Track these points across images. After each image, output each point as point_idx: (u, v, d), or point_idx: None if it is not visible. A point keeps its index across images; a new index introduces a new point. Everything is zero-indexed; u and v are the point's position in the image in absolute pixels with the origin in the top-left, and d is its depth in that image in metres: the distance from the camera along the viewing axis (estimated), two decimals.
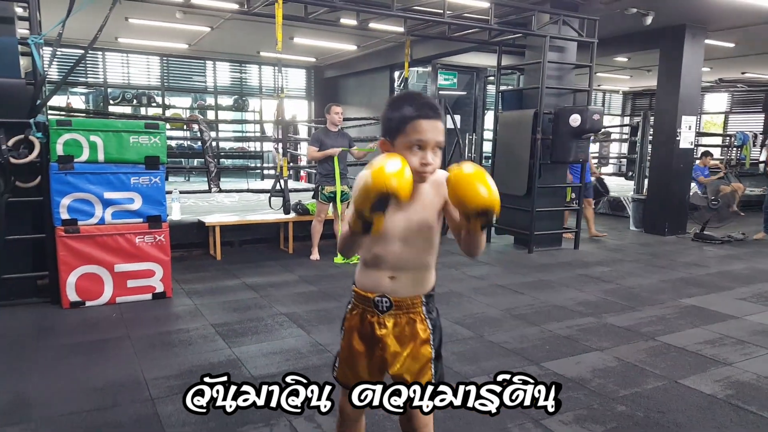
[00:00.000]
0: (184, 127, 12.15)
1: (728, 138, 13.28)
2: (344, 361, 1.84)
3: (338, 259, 6.16)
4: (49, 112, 6.24)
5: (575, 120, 6.55)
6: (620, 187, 11.23)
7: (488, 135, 10.27)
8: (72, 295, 4.33)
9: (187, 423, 2.63)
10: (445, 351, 3.52)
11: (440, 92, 8.45)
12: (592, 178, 8.23)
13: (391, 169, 1.45)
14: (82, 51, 4.58)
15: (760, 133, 14.49)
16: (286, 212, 6.60)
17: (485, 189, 1.47)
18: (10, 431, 2.53)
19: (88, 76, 12.47)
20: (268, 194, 7.04)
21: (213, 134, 8.92)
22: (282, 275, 5.54)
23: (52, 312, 4.26)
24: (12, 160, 4.15)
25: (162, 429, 2.58)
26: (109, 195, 4.38)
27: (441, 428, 2.63)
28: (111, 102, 12.39)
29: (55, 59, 4.48)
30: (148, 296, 4.59)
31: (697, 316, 4.47)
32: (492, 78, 9.27)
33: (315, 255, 6.26)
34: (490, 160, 8.20)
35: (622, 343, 3.83)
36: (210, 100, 13.82)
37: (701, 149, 11.36)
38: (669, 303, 4.82)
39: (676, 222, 8.46)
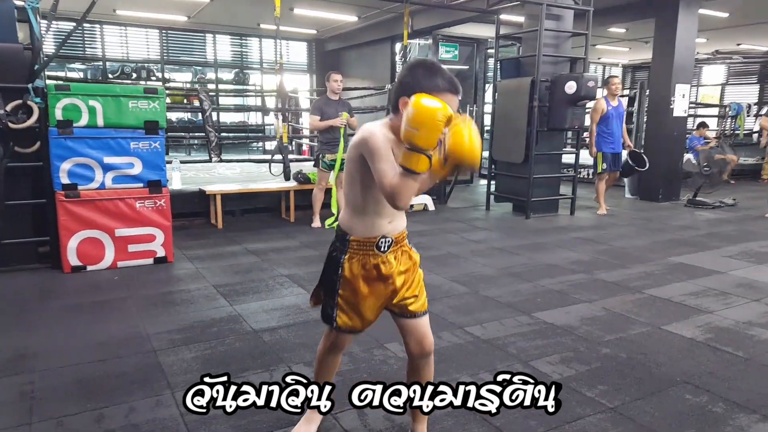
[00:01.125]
0: (185, 101, 12.08)
1: (723, 108, 13.22)
2: (348, 308, 1.91)
3: (331, 221, 6.18)
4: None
5: (571, 87, 6.53)
6: None
7: (489, 109, 10.25)
8: (73, 260, 4.37)
9: (189, 371, 2.69)
10: (441, 305, 3.61)
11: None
12: (624, 151, 7.46)
13: (445, 105, 1.56)
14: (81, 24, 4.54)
15: (755, 104, 14.41)
16: (287, 178, 6.60)
17: (478, 145, 1.60)
18: (13, 381, 2.58)
19: (86, 50, 12.36)
20: (269, 162, 7.03)
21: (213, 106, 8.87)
22: (283, 241, 5.58)
23: (54, 276, 4.30)
24: (11, 125, 4.16)
25: (165, 376, 2.63)
26: (108, 160, 4.39)
27: (438, 369, 2.69)
28: (110, 77, 12.30)
29: (53, 33, 4.45)
30: (150, 261, 4.63)
31: (683, 272, 4.53)
32: (492, 50, 9.22)
33: (316, 223, 6.28)
34: (489, 131, 8.19)
35: (610, 296, 3.89)
36: (210, 75, 13.73)
37: (698, 120, 11.34)
38: (658, 261, 4.87)
39: (670, 189, 8.47)
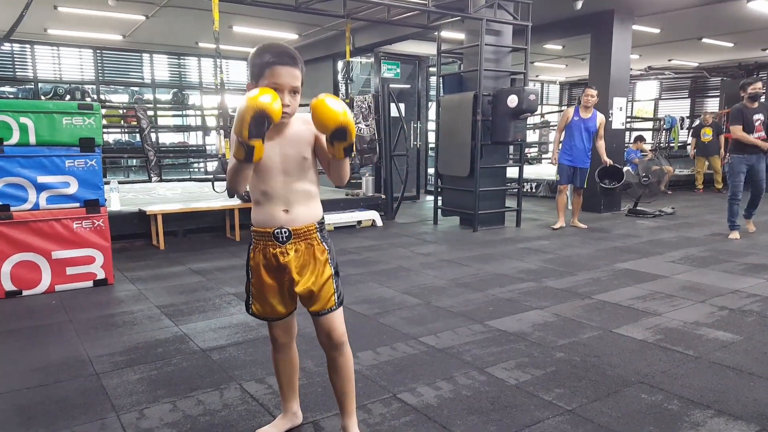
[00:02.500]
0: (122, 121, 11.77)
1: (658, 122, 13.96)
2: (257, 296, 2.03)
3: None
4: None
5: (513, 101, 6.76)
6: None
7: (432, 126, 10.47)
8: (7, 285, 4.17)
9: (134, 392, 2.61)
10: (394, 316, 3.64)
11: (384, 84, 8.56)
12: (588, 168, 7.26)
13: (263, 96, 1.68)
14: (8, 43, 4.41)
15: (687, 117, 15.29)
16: (230, 195, 6.52)
17: (338, 107, 1.75)
18: None
19: (17, 72, 11.91)
20: (212, 180, 6.93)
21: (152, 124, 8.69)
22: (229, 260, 5.49)
23: None
24: None
25: (108, 399, 2.54)
26: (42, 179, 4.24)
27: (389, 380, 2.72)
28: (42, 98, 11.87)
29: None
30: (89, 283, 4.47)
31: (629, 277, 4.73)
32: (434, 68, 9.44)
33: None
34: (434, 148, 8.36)
35: (560, 302, 4.02)
36: (148, 95, 13.45)
37: (635, 134, 11.94)
38: (604, 267, 5.07)
39: (611, 200, 8.85)
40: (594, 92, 7.12)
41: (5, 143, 4.08)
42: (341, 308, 2.03)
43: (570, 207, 7.79)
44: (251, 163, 1.75)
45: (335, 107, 1.74)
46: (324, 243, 1.99)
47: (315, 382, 2.71)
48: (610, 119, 8.67)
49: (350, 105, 7.94)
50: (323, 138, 1.85)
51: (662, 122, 13.61)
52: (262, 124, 1.67)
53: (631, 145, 11.06)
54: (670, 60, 13.95)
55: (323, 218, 2.03)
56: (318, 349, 3.01)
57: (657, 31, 10.28)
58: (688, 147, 14.40)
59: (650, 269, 4.99)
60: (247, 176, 1.84)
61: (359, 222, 7.42)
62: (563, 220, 7.30)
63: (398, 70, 10.55)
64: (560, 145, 7.28)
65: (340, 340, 2.02)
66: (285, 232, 1.91)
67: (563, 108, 18.51)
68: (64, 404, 2.49)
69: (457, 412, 2.41)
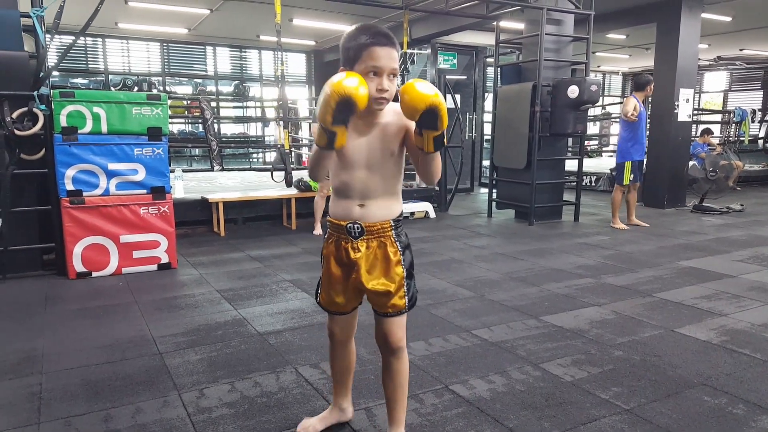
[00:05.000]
0: (186, 112, 12.16)
1: (727, 114, 13.26)
2: (325, 286, 1.97)
3: None
4: None
5: (573, 91, 6.56)
6: None
7: (488, 117, 10.31)
8: (78, 266, 4.39)
9: (195, 372, 2.70)
10: (446, 308, 3.61)
11: (440, 75, 8.48)
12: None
13: (348, 80, 1.59)
14: (82, 37, 4.61)
15: (759, 110, 14.45)
16: (288, 185, 6.63)
17: (428, 89, 1.61)
18: (22, 382, 2.59)
19: (89, 64, 12.48)
20: (270, 169, 7.06)
21: (215, 115, 8.93)
22: (285, 248, 5.59)
23: (59, 282, 4.32)
24: (16, 132, 4.20)
25: (171, 378, 2.63)
26: (113, 166, 4.43)
27: (441, 372, 2.70)
28: (112, 89, 12.40)
29: (56, 47, 4.51)
30: (154, 267, 4.65)
31: (694, 275, 4.52)
32: (491, 59, 9.28)
33: (318, 230, 6.30)
34: (489, 140, 8.23)
35: (620, 300, 3.88)
36: (211, 87, 13.83)
37: (702, 127, 11.37)
38: (667, 265, 4.86)
39: (675, 195, 8.48)
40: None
41: (79, 132, 4.28)
42: (406, 313, 1.93)
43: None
44: (332, 150, 1.67)
45: (426, 89, 1.60)
46: (398, 242, 1.88)
47: (367, 369, 2.72)
48: (676, 111, 8.30)
49: None
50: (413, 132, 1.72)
51: (732, 115, 12.90)
52: (346, 111, 1.58)
53: (697, 139, 10.55)
54: (741, 50, 13.20)
55: (401, 216, 1.92)
56: (371, 337, 3.04)
57: (728, 19, 9.74)
58: (760, 141, 13.64)
59: (716, 268, 4.76)
60: (327, 164, 1.77)
61: (412, 213, 7.40)
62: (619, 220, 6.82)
63: (454, 61, 10.41)
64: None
65: (397, 345, 1.93)
66: (357, 228, 1.83)
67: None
68: (129, 381, 2.60)
69: (510, 407, 2.37)
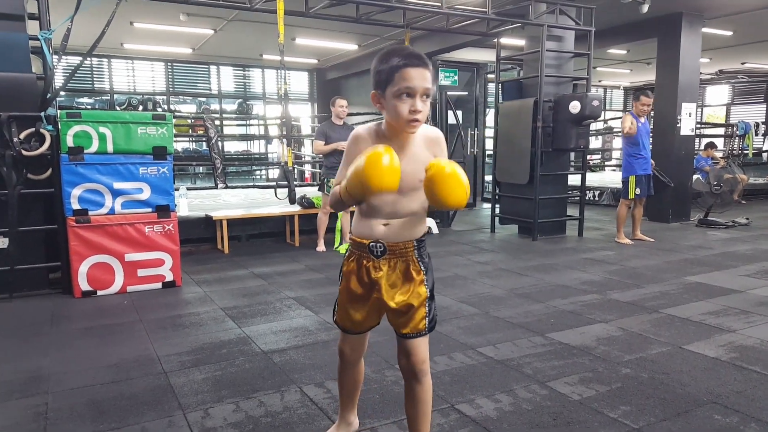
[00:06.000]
0: (190, 130, 12.25)
1: (730, 128, 13.27)
2: (343, 304, 1.96)
3: (341, 248, 6.21)
4: None
5: (575, 107, 6.59)
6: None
7: (489, 133, 10.34)
8: (84, 285, 4.39)
9: (200, 391, 2.69)
10: (451, 325, 3.60)
11: (442, 91, 8.52)
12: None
13: (386, 164, 1.55)
14: (90, 58, 4.68)
15: (763, 123, 14.47)
16: (292, 202, 6.65)
17: (461, 191, 1.60)
18: (28, 402, 2.58)
19: (95, 84, 12.61)
20: (274, 187, 7.09)
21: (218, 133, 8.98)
22: (289, 265, 5.59)
23: (65, 301, 4.33)
24: (24, 152, 4.24)
25: (176, 398, 2.62)
26: (118, 185, 4.45)
27: (446, 390, 2.68)
28: (117, 108, 12.51)
29: (62, 68, 4.57)
30: (158, 285, 4.65)
31: (701, 291, 4.50)
32: (492, 75, 9.30)
33: (321, 247, 6.30)
34: (491, 156, 8.24)
35: (626, 316, 3.86)
36: (215, 106, 13.95)
37: (705, 141, 11.38)
38: (673, 280, 4.84)
39: (680, 209, 8.46)
40: (649, 99, 6.51)
41: (85, 151, 4.32)
42: (428, 336, 1.89)
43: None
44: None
45: (457, 191, 1.60)
46: (420, 262, 1.87)
47: (372, 388, 2.71)
48: (678, 125, 8.31)
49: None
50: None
51: (735, 128, 12.92)
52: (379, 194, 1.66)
53: (701, 153, 10.55)
54: (743, 63, 13.25)
55: (424, 236, 1.91)
56: (375, 355, 3.04)
57: (729, 33, 9.79)
58: (765, 154, 13.62)
59: (723, 283, 4.73)
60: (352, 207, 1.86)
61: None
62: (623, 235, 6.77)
63: (456, 78, 10.46)
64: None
65: (420, 368, 1.88)
66: (380, 247, 1.82)
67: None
68: (134, 400, 2.60)
69: (517, 426, 2.35)
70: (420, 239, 1.88)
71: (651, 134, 6.70)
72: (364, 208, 1.86)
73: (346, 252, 1.96)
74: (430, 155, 1.78)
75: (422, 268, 1.87)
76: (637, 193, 6.56)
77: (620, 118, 16.92)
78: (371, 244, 1.83)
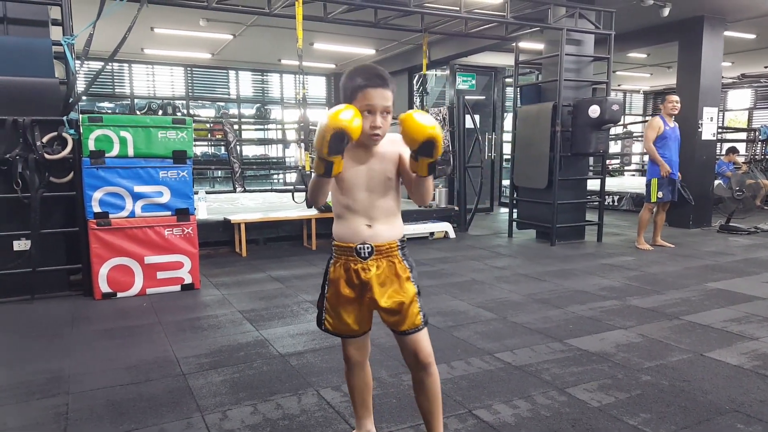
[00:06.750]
0: (209, 135, 12.37)
1: (752, 132, 13.06)
2: (332, 311, 2.01)
3: None
4: None
5: (594, 111, 6.54)
6: (642, 184, 11.07)
7: (507, 137, 10.30)
8: (104, 287, 4.45)
9: (218, 393, 2.70)
10: (468, 330, 3.58)
11: (459, 95, 8.51)
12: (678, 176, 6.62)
13: (343, 113, 1.71)
14: (111, 63, 4.75)
15: None
16: (309, 206, 6.67)
17: (429, 121, 1.74)
18: (49, 402, 2.62)
19: (115, 88, 12.80)
20: (292, 191, 7.13)
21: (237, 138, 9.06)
22: (306, 268, 5.61)
23: (85, 303, 4.39)
24: (47, 156, 4.31)
25: (194, 399, 2.65)
26: (138, 188, 4.51)
27: (464, 396, 2.67)
28: (137, 113, 12.66)
29: (84, 73, 4.65)
30: (177, 287, 4.69)
31: (722, 297, 4.42)
32: (510, 79, 9.30)
33: None
34: (509, 160, 8.21)
35: (646, 322, 3.81)
36: (233, 110, 14.06)
37: (726, 145, 11.21)
38: (694, 287, 4.77)
39: (701, 215, 8.33)
40: (677, 98, 6.45)
41: (107, 155, 4.38)
42: (426, 328, 1.98)
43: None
44: (330, 177, 1.79)
45: (425, 121, 1.74)
46: (405, 261, 1.97)
47: (389, 393, 2.70)
48: (700, 129, 8.20)
49: None
50: (407, 158, 1.84)
51: (758, 133, 12.71)
52: (341, 141, 1.71)
53: (722, 158, 10.40)
54: (766, 67, 13.03)
55: (405, 237, 2.01)
56: (392, 359, 3.03)
57: (752, 36, 9.63)
58: None
59: (745, 290, 4.65)
60: (327, 190, 1.89)
61: (432, 233, 7.39)
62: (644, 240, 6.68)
63: (473, 82, 10.46)
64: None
65: (427, 360, 1.96)
66: (367, 248, 1.91)
67: (646, 118, 17.69)
68: (153, 402, 2.62)
69: None
70: (402, 239, 1.99)
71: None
72: (341, 211, 1.94)
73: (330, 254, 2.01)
74: (396, 151, 1.92)
75: (407, 266, 1.97)
76: (660, 197, 6.45)
77: (642, 122, 16.74)
78: (358, 246, 1.91)
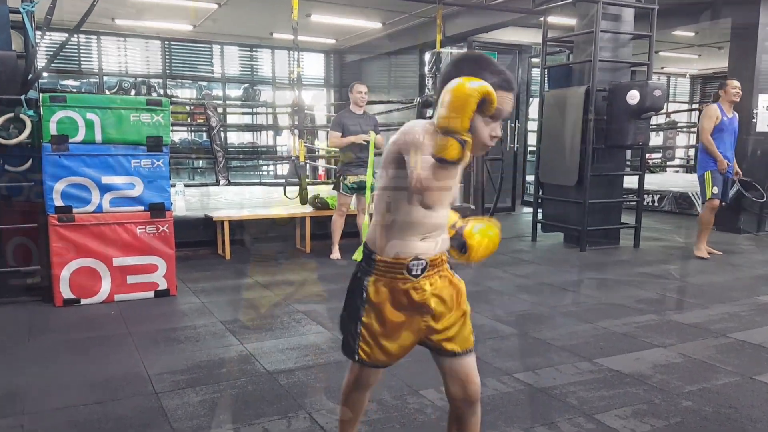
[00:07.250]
0: (189, 119, 12.42)
1: None
2: (370, 339, 1.87)
3: (359, 256, 6.23)
4: None
5: (633, 97, 6.53)
6: (687, 182, 11.11)
7: (532, 126, 10.30)
8: (66, 292, 4.47)
9: (195, 416, 2.72)
10: (484, 347, 3.60)
11: None
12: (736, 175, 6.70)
13: (482, 82, 1.54)
14: (77, 35, 4.77)
15: None
16: (303, 202, 6.70)
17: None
18: (0, 424, 2.64)
19: (82, 64, 12.83)
20: (283, 184, 7.15)
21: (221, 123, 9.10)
22: (299, 274, 5.65)
23: (44, 310, 4.41)
24: (1, 140, 4.33)
25: (168, 422, 2.66)
26: (107, 179, 4.53)
27: (484, 421, 2.67)
28: (107, 92, 12.72)
29: (46, 45, 4.67)
30: (150, 294, 4.72)
31: None
32: (536, 59, 9.29)
33: (336, 254, 6.30)
34: (534, 152, 8.22)
35: (688, 340, 3.83)
36: (217, 91, 14.09)
37: None
38: (743, 300, 4.78)
39: (753, 218, 8.32)
40: (737, 83, 6.40)
41: (70, 141, 4.40)
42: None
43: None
44: (459, 164, 1.57)
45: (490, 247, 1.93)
46: (454, 272, 1.93)
47: (392, 417, 2.72)
48: (754, 120, 8.19)
49: (437, 102, 7.94)
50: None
51: None
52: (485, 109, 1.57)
53: None
54: None
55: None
56: (396, 380, 3.04)
57: None
58: None
59: None
60: (450, 186, 1.70)
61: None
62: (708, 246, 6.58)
63: None
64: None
65: (477, 396, 1.91)
66: (422, 264, 1.82)
67: (693, 106, 17.67)
68: (121, 424, 2.64)
69: None
70: (446, 250, 1.95)
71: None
72: (397, 221, 1.81)
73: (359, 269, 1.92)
74: None
75: (458, 277, 1.95)
76: (714, 192, 6.34)
77: (686, 111, 16.68)
78: (411, 262, 1.81)
